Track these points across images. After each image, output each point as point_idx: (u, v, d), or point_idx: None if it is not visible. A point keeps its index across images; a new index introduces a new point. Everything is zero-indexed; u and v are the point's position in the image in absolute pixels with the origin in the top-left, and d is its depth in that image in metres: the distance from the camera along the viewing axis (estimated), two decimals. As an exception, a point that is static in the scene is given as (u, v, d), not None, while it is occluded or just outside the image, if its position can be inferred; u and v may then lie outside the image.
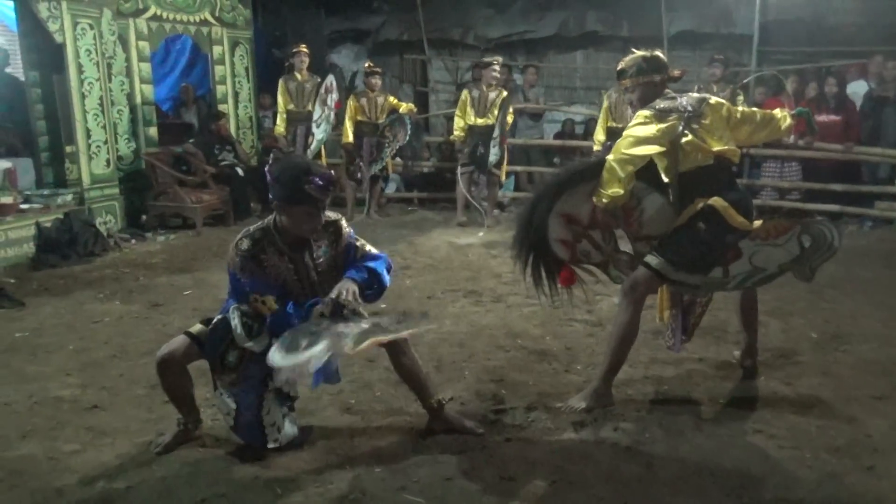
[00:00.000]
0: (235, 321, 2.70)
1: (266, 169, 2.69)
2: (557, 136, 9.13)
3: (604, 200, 3.08)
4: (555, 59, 10.63)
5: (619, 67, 3.32)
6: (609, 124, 7.02)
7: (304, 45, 8.06)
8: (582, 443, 2.86)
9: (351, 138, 7.78)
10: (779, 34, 8.86)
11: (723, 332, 4.09)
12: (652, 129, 3.06)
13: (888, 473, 2.60)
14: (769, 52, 8.85)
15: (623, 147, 3.06)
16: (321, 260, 2.77)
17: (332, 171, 2.88)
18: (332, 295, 2.62)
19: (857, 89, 7.50)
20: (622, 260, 3.32)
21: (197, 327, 2.84)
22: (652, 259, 3.13)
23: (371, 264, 2.78)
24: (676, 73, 3.32)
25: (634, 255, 3.27)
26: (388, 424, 3.04)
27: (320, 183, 2.58)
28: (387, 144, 7.79)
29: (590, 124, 8.45)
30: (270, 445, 2.76)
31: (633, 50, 3.35)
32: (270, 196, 2.66)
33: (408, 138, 7.77)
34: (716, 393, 3.31)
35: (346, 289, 2.64)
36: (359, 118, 7.78)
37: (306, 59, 7.94)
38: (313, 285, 2.76)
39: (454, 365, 3.68)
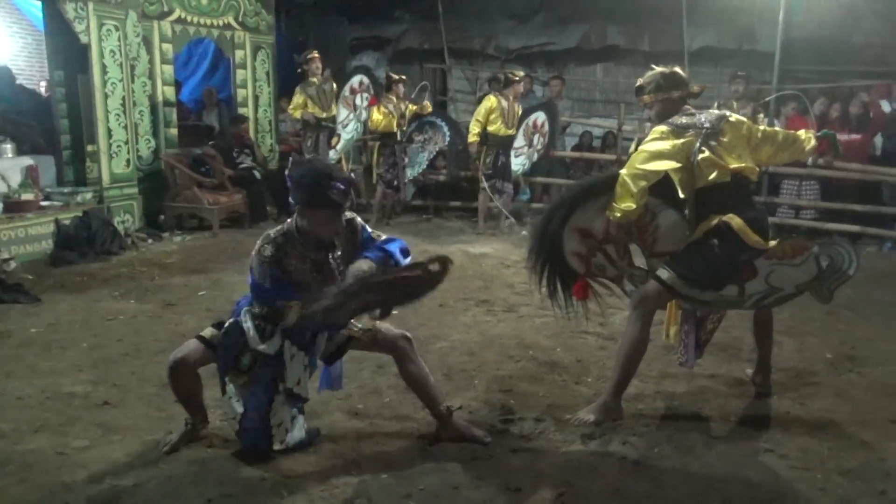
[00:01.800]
0: (248, 324, 2.72)
1: (286, 173, 2.71)
2: (575, 148, 9.12)
3: (616, 214, 3.08)
4: (575, 72, 10.64)
5: (637, 84, 3.32)
6: None
7: (316, 52, 8.11)
8: (590, 456, 2.84)
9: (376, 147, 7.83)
10: (802, 52, 8.81)
11: (737, 349, 4.06)
12: (667, 145, 3.05)
13: (901, 498, 2.56)
14: (792, 71, 8.79)
15: (637, 162, 3.05)
16: (343, 264, 2.77)
17: (353, 175, 2.90)
18: (349, 279, 2.62)
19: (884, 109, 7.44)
20: (636, 275, 3.30)
21: (209, 331, 2.86)
22: (663, 273, 3.12)
23: (385, 246, 2.79)
24: (696, 88, 3.31)
25: (649, 270, 3.26)
26: (395, 431, 3.04)
27: (342, 187, 2.59)
28: (421, 149, 7.79)
29: (607, 138, 8.45)
30: (276, 447, 2.77)
31: (653, 66, 3.34)
32: (291, 199, 2.68)
33: (447, 140, 7.75)
34: (727, 410, 3.28)
35: (360, 268, 2.64)
36: (383, 125, 7.82)
37: (320, 65, 7.99)
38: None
39: (464, 374, 3.68)
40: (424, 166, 7.90)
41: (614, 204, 3.07)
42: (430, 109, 8.05)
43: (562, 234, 3.18)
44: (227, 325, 2.81)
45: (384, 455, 2.82)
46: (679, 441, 2.97)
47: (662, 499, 2.55)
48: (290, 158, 3.21)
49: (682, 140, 3.06)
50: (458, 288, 5.34)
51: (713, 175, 3.07)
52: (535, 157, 7.81)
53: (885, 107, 7.51)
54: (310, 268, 2.72)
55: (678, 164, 3.05)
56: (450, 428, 2.93)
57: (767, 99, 7.41)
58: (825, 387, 3.58)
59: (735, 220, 3.03)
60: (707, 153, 3.05)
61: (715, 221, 3.06)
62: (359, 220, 2.84)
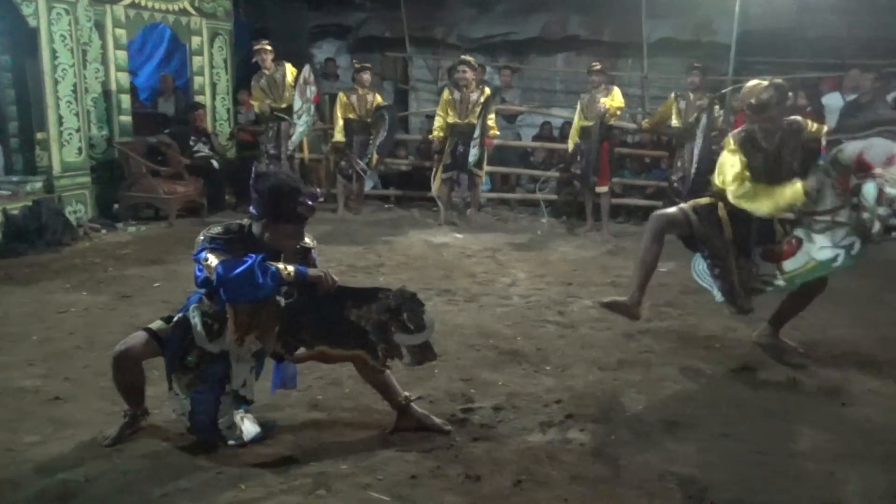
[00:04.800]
0: (196, 320, 2.67)
1: (251, 184, 2.67)
2: (535, 138, 9.16)
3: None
4: (536, 62, 10.67)
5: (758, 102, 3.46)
6: (582, 123, 7.23)
7: (265, 42, 7.90)
8: (549, 443, 2.87)
9: (341, 137, 7.73)
10: (758, 45, 8.97)
11: (692, 336, 4.14)
12: None
13: (848, 479, 2.64)
14: (748, 62, 8.95)
15: None
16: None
17: (318, 190, 2.93)
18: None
19: (831, 102, 7.60)
20: None
21: (157, 324, 2.81)
22: None
23: None
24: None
25: None
26: (355, 421, 3.03)
27: (310, 203, 2.59)
28: (371, 140, 7.76)
29: (565, 128, 8.51)
30: (231, 443, 2.74)
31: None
32: (254, 211, 2.64)
33: (385, 133, 7.73)
34: (683, 396, 3.35)
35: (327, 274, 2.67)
36: (349, 115, 7.74)
37: (268, 56, 7.76)
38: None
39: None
40: (372, 155, 7.85)
41: None
42: (378, 101, 7.96)
43: None
44: (175, 319, 2.75)
45: (344, 445, 2.81)
46: (636, 427, 3.02)
47: (619, 483, 2.59)
48: (253, 168, 3.16)
49: None
50: (419, 278, 5.33)
51: None
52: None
53: (837, 99, 7.68)
54: None
55: None
56: (409, 418, 2.93)
57: (724, 91, 7.53)
58: (778, 372, 3.66)
59: None
60: None
61: None
62: (315, 252, 2.85)
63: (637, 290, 3.64)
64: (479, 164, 7.42)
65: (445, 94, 7.50)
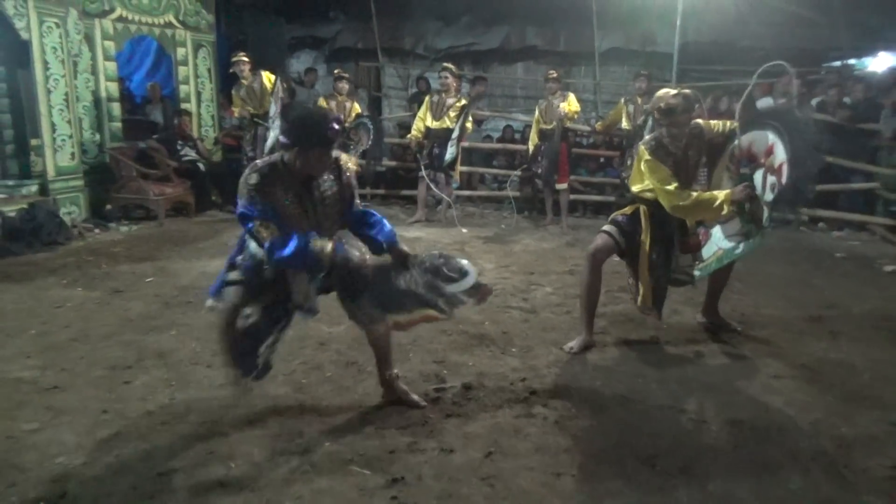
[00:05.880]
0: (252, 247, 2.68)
1: (280, 113, 2.65)
2: (498, 140, 9.18)
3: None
4: (498, 70, 10.69)
5: (666, 106, 3.45)
6: (541, 127, 7.29)
7: (242, 53, 7.72)
8: (515, 418, 2.88)
9: None
10: (697, 54, 9.11)
11: (642, 319, 4.17)
12: None
13: (781, 443, 2.70)
14: (688, 70, 9.08)
15: None
16: (328, 193, 2.73)
17: (340, 116, 2.92)
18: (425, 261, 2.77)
19: (764, 106, 7.73)
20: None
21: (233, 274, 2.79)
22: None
23: (375, 219, 2.84)
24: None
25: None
26: (336, 403, 3.00)
27: (335, 126, 2.58)
28: (352, 147, 7.69)
29: (526, 131, 8.54)
30: (250, 376, 2.78)
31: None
32: (284, 140, 2.61)
33: (370, 142, 7.68)
34: (636, 373, 3.38)
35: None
36: None
37: (245, 66, 7.58)
38: (318, 217, 2.71)
39: (400, 347, 3.64)
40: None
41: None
42: (357, 110, 7.90)
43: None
44: (231, 276, 2.75)
45: (327, 425, 2.79)
46: (594, 402, 3.04)
47: (580, 453, 2.61)
48: (280, 100, 3.11)
49: None
50: (394, 269, 5.31)
51: None
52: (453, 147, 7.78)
53: (769, 103, 7.81)
54: (292, 198, 2.64)
55: None
56: (392, 391, 2.96)
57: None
58: (719, 349, 3.72)
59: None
60: None
61: None
62: (343, 158, 2.80)
63: (587, 330, 3.67)
64: (452, 164, 7.42)
65: (426, 99, 7.44)
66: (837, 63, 10.36)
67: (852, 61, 10.64)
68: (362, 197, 8.47)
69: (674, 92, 3.48)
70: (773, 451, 2.64)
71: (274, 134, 7.54)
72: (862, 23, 9.60)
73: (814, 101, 7.74)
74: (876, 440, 2.72)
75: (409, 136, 7.61)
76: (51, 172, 6.42)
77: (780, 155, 3.26)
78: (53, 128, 6.42)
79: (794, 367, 3.46)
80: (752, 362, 3.54)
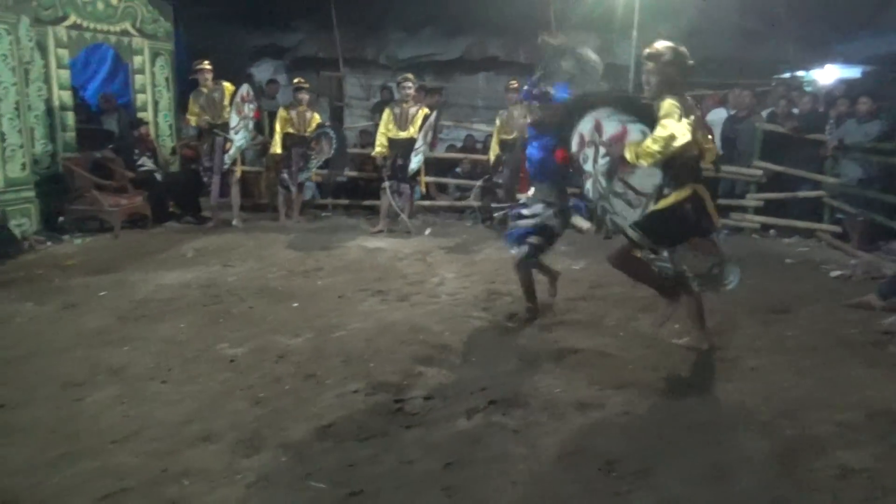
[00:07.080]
0: None
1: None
2: (460, 150, 9.22)
3: (634, 158, 3.27)
4: (460, 80, 10.77)
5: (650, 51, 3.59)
6: (502, 137, 7.38)
7: (205, 62, 7.59)
8: (474, 428, 2.88)
9: (280, 150, 7.58)
10: (653, 66, 9.29)
11: (598, 324, 4.24)
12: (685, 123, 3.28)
13: (734, 446, 2.76)
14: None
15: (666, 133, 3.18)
16: None
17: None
18: None
19: (716, 117, 7.94)
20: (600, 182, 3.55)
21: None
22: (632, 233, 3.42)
23: None
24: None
25: (607, 187, 3.52)
26: (295, 416, 2.97)
27: None
28: (313, 156, 7.64)
29: (487, 140, 8.60)
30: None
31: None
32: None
33: (333, 151, 7.64)
34: (594, 380, 3.40)
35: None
36: (288, 130, 7.60)
37: (208, 75, 7.47)
38: None
39: (360, 359, 3.64)
40: (313, 171, 7.77)
41: (638, 152, 3.25)
42: (318, 120, 7.85)
43: (584, 112, 3.53)
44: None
45: (284, 439, 2.75)
46: (553, 410, 3.06)
47: (537, 461, 2.63)
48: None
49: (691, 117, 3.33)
50: (355, 280, 5.29)
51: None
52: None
53: (721, 114, 8.04)
54: None
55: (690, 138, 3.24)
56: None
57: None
58: (671, 353, 3.78)
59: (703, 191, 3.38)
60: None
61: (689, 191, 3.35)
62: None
63: (669, 300, 3.80)
64: (416, 174, 7.44)
65: (386, 112, 7.40)
66: (787, 75, 10.73)
67: (801, 73, 11.03)
68: (323, 207, 8.58)
69: (669, 44, 3.60)
70: (727, 454, 2.70)
71: (238, 145, 7.46)
72: (810, 36, 9.96)
73: (764, 112, 7.98)
74: (821, 440, 2.80)
75: (374, 152, 7.56)
76: (0, 183, 6.23)
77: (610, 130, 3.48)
78: (3, 137, 6.25)
79: (745, 371, 3.54)
80: (706, 369, 3.61)
